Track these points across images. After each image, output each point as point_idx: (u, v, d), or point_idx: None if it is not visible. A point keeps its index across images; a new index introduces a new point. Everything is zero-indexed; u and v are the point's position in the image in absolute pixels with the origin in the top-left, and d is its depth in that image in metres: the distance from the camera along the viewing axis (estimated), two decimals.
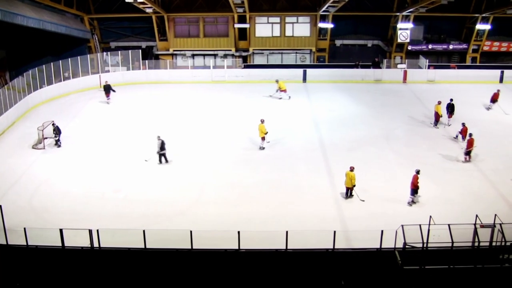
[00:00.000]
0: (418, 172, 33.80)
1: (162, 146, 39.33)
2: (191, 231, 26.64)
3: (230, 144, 43.61)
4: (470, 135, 40.81)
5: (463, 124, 43.52)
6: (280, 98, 54.30)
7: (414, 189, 33.61)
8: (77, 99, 55.04)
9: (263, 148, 42.78)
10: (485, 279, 27.40)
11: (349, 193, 34.85)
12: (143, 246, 26.99)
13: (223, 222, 30.81)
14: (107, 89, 54.09)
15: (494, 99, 54.10)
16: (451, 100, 48.06)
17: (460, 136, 43.71)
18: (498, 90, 54.70)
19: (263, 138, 42.68)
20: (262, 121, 42.68)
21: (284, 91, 54.76)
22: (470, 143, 40.33)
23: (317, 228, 28.32)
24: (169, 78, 61.59)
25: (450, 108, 47.82)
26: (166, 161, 39.81)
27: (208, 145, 43.20)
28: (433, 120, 48.30)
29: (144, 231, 26.78)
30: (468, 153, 40.38)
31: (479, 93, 58.75)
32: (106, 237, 27.17)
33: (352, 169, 34.22)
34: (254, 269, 27.54)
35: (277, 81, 54.57)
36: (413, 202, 33.53)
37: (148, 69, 62.17)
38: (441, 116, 47.38)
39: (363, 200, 34.11)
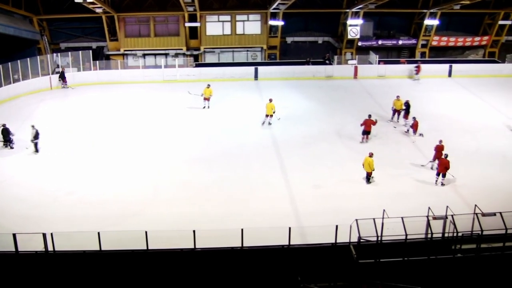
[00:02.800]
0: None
1: (36, 136, 40.36)
2: (146, 232, 26.42)
3: (183, 142, 43.45)
4: (414, 118, 43.55)
5: (414, 118, 44.14)
6: (204, 108, 51.79)
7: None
8: (27, 101, 54.15)
9: (270, 124, 47.52)
10: (439, 270, 27.79)
11: (370, 178, 36.27)
12: (98, 248, 26.73)
13: (178, 222, 30.63)
14: (63, 75, 57.13)
15: (417, 71, 62.92)
16: (408, 101, 48.21)
17: (411, 130, 44.27)
18: (420, 64, 61.77)
19: (270, 116, 47.50)
20: (271, 100, 47.74)
21: (207, 99, 51.91)
22: (416, 125, 43.23)
23: (272, 224, 28.29)
24: (121, 78, 61.09)
25: (406, 108, 47.88)
26: (37, 150, 40.62)
27: (161, 144, 42.96)
28: (390, 115, 49.09)
29: (99, 233, 26.45)
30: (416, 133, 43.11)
31: (428, 87, 59.65)
32: (61, 241, 26.82)
33: (371, 155, 35.96)
34: (210, 268, 27.47)
35: (208, 85, 52.28)
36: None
37: (99, 70, 61.53)
38: (400, 111, 47.87)
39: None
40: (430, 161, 38.75)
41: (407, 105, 47.74)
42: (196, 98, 52.15)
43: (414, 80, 63.91)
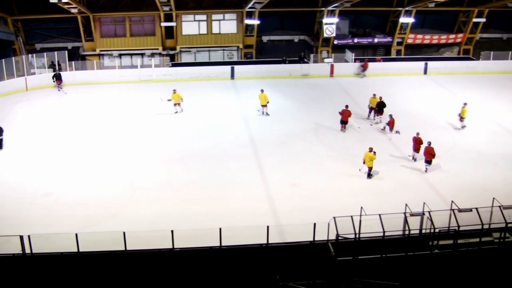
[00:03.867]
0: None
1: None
2: (124, 233, 26.34)
3: (160, 143, 43.34)
4: (390, 116, 44.09)
5: (390, 116, 44.38)
6: (176, 113, 50.43)
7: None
8: (3, 102, 53.65)
9: (264, 113, 49.99)
10: (417, 266, 27.96)
11: (371, 173, 37.08)
12: (76, 250, 26.58)
13: (156, 222, 30.51)
14: (58, 77, 56.51)
15: (364, 68, 64.06)
16: (381, 98, 48.59)
17: (387, 127, 44.51)
18: (367, 61, 63.58)
19: (265, 106, 49.78)
20: (262, 91, 50.03)
21: (178, 104, 50.31)
22: (392, 123, 43.87)
23: (251, 223, 28.33)
24: (97, 79, 60.66)
25: (379, 106, 48.18)
26: (1, 147, 41.00)
27: (139, 145, 42.82)
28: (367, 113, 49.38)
29: (76, 234, 26.33)
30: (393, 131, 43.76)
31: (404, 85, 60.00)
32: (38, 243, 26.64)
33: (371, 149, 36.63)
34: (189, 268, 27.45)
35: (174, 90, 50.38)
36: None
37: (75, 70, 61.01)
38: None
39: (415, 160, 39.01)
40: (414, 153, 39.86)
41: (381, 103, 48.13)
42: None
43: (361, 77, 64.47)
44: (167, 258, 27.05)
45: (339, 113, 45.44)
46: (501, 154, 41.18)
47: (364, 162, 36.90)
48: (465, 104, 45.65)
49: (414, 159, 39.74)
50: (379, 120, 47.62)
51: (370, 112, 48.68)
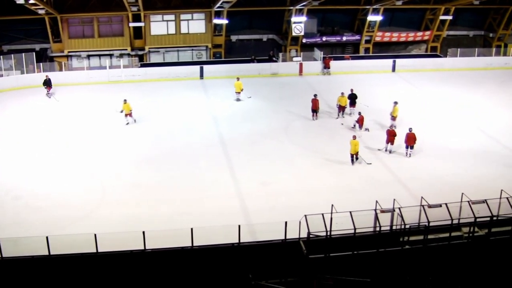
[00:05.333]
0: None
1: None
2: (95, 234, 26.20)
3: (130, 143, 43.15)
4: (359, 113, 45.09)
5: (359, 113, 44.75)
6: (127, 124, 47.71)
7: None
8: None
9: (239, 100, 54.07)
10: (388, 262, 28.16)
11: (354, 159, 39.02)
12: (47, 253, 26.37)
13: (127, 223, 30.32)
14: (48, 83, 55.05)
15: (326, 66, 64.81)
16: (352, 90, 49.45)
17: (357, 125, 44.78)
18: (328, 58, 65.19)
19: (238, 93, 53.93)
20: (238, 79, 54.37)
21: (129, 115, 47.39)
22: (361, 120, 44.77)
23: (222, 223, 28.33)
24: (65, 80, 60.03)
25: (351, 98, 49.09)
26: None
27: (108, 146, 42.60)
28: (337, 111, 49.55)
29: (47, 237, 26.14)
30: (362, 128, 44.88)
31: (373, 82, 60.31)
32: (8, 247, 26.38)
33: (354, 137, 39.04)
34: (161, 268, 27.38)
35: (125, 100, 47.53)
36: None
37: (43, 72, 60.41)
38: (345, 107, 48.55)
39: (370, 163, 38.96)
40: (386, 145, 40.90)
41: (353, 95, 49.06)
42: (141, 99, 51.98)
43: (325, 75, 64.89)
44: (139, 259, 26.96)
45: (311, 100, 47.70)
46: (470, 150, 41.67)
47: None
48: (395, 103, 45.98)
49: (390, 152, 40.79)
50: (352, 112, 48.54)
51: (339, 111, 48.72)
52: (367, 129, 44.77)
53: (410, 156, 40.31)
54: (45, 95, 55.50)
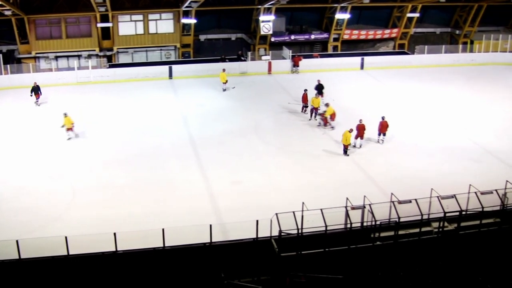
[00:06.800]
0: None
1: None
2: (66, 237, 25.99)
3: (99, 145, 42.86)
4: (327, 105, 45.97)
5: (327, 105, 45.79)
6: (69, 139, 44.54)
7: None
8: None
9: (225, 90, 57.27)
10: (359, 258, 28.31)
11: (347, 150, 40.29)
12: (17, 257, 26.10)
13: (98, 225, 30.11)
14: (36, 90, 52.83)
15: (295, 64, 65.17)
16: (319, 81, 50.89)
17: (322, 123, 45.28)
18: (297, 56, 65.68)
19: (224, 83, 57.17)
20: (224, 70, 57.55)
21: (70, 129, 44.10)
22: (325, 119, 45.70)
23: (193, 223, 28.29)
24: (33, 82, 59.48)
25: (318, 89, 50.06)
26: None
27: (77, 147, 42.26)
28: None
29: (17, 241, 25.88)
30: (325, 117, 45.80)
31: (342, 80, 60.64)
32: None
33: (351, 130, 40.15)
34: (132, 270, 27.26)
35: (65, 114, 44.42)
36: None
37: (10, 74, 59.79)
38: (318, 108, 47.78)
39: (360, 147, 41.60)
40: (355, 141, 41.53)
41: (320, 85, 50.64)
42: (111, 97, 51.77)
43: (294, 73, 65.29)
44: (111, 261, 26.78)
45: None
46: (437, 145, 42.09)
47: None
48: (326, 104, 46.47)
49: (360, 146, 41.58)
50: (322, 101, 48.94)
51: (311, 113, 48.30)
52: (332, 127, 45.14)
53: (382, 142, 42.23)
54: (34, 103, 53.20)
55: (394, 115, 46.89)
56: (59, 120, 45.14)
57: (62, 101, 53.88)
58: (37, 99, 53.13)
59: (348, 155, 40.15)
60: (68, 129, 43.87)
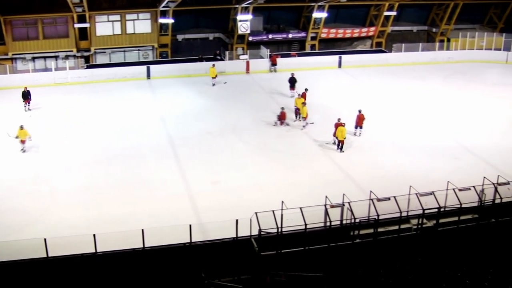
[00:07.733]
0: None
1: None
2: (45, 239, 25.86)
3: (78, 146, 42.59)
4: (304, 103, 45.97)
5: (282, 108, 46.95)
6: (23, 150, 42.47)
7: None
8: None
9: (214, 85, 59.06)
10: (339, 256, 28.42)
11: (342, 146, 40.61)
12: None
13: (78, 227, 29.96)
14: (26, 95, 51.47)
15: (273, 63, 65.54)
16: (292, 74, 52.65)
17: (278, 122, 46.51)
18: (274, 55, 66.68)
19: (213, 78, 58.98)
20: (214, 65, 59.53)
21: (23, 142, 41.82)
22: (283, 116, 46.24)
23: (173, 223, 28.23)
24: (10, 83, 58.98)
25: (291, 82, 52.16)
26: None
27: (56, 148, 41.99)
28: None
29: None
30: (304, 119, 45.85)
31: (319, 79, 60.77)
32: None
33: (343, 124, 40.50)
34: (112, 271, 27.18)
35: (21, 127, 42.06)
36: None
37: None
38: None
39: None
40: (334, 138, 41.54)
41: (293, 79, 52.22)
42: (89, 98, 51.54)
43: (272, 72, 65.55)
44: (90, 262, 26.70)
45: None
46: (416, 143, 42.40)
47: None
48: (304, 104, 46.37)
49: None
50: (293, 95, 50.99)
51: (296, 115, 47.86)
52: (304, 127, 45.41)
53: (360, 135, 43.40)
54: (24, 109, 51.74)
55: (372, 113, 47.10)
56: (37, 121, 44.99)
57: (39, 102, 53.38)
58: (27, 104, 51.90)
59: (343, 151, 40.57)
60: (23, 141, 41.98)
